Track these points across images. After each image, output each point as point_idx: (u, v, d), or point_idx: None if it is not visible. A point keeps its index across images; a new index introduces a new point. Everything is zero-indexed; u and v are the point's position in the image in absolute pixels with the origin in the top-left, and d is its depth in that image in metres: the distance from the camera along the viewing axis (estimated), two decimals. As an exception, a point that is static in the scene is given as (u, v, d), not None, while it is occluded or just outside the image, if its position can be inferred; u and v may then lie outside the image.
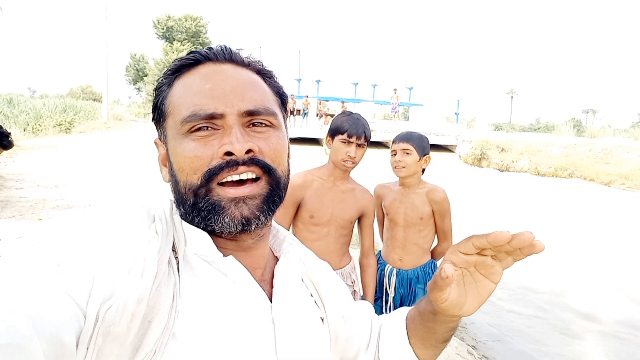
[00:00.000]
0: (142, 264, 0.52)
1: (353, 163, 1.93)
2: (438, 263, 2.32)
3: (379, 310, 2.29)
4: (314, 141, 20.38)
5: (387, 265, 2.31)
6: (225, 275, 0.59)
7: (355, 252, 2.31)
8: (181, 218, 0.62)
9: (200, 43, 41.18)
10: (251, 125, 0.61)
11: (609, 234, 7.76)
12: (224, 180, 0.58)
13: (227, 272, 0.59)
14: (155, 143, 0.68)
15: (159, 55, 41.55)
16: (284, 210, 1.92)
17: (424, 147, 2.19)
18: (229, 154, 0.57)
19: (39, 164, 9.82)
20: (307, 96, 24.14)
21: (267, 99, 0.64)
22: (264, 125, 0.62)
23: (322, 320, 0.70)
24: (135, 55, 51.03)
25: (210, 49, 0.64)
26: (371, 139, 1.99)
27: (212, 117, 0.58)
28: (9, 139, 2.91)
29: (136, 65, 50.58)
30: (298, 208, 1.96)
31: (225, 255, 0.60)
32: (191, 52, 0.64)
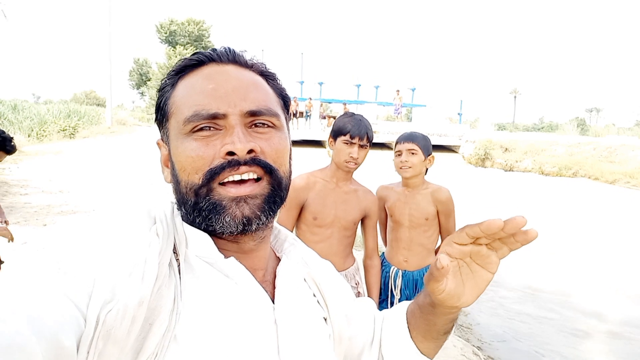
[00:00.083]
0: (143, 266, 0.51)
1: (355, 164, 1.92)
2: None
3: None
4: (317, 143, 20.38)
5: (392, 267, 2.30)
6: (227, 277, 0.59)
7: (358, 253, 2.31)
8: (182, 219, 0.62)
9: (203, 47, 41.33)
10: (253, 126, 0.61)
11: (615, 232, 7.72)
12: (226, 180, 0.58)
13: (228, 274, 0.59)
14: (158, 144, 0.68)
15: (162, 60, 41.74)
16: (287, 213, 1.92)
17: (428, 147, 2.19)
18: (230, 153, 0.57)
19: (43, 170, 9.87)
20: (310, 98, 24.16)
21: (270, 100, 0.64)
22: (266, 126, 0.62)
23: (325, 320, 0.70)
24: (138, 59, 51.34)
25: (214, 50, 0.64)
26: (374, 140, 1.99)
27: (214, 117, 0.58)
28: (12, 143, 2.92)
29: (139, 70, 50.87)
30: (301, 210, 1.96)
31: (226, 257, 0.60)
32: (195, 53, 0.64)
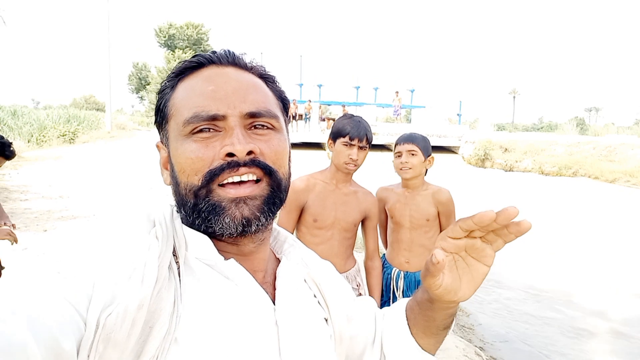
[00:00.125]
0: (142, 269, 0.51)
1: (355, 166, 1.92)
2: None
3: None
4: (317, 145, 20.40)
5: (394, 269, 2.29)
6: (227, 279, 0.59)
7: (359, 255, 2.31)
8: (182, 222, 0.62)
9: (202, 50, 41.17)
10: (253, 128, 0.61)
11: (616, 231, 7.72)
12: (225, 181, 0.58)
13: (229, 275, 0.59)
14: (157, 146, 0.68)
15: (161, 64, 41.84)
16: (287, 215, 1.92)
17: (427, 148, 2.19)
18: (230, 155, 0.58)
19: (43, 175, 9.87)
20: (309, 100, 24.21)
21: (269, 102, 0.64)
22: (265, 127, 0.62)
23: (326, 320, 0.70)
24: (137, 64, 51.44)
25: (213, 52, 0.65)
26: (374, 142, 1.99)
27: (214, 118, 0.59)
28: (11, 148, 2.92)
29: (139, 74, 50.96)
30: (301, 212, 1.96)
31: (226, 259, 0.60)
32: (195, 56, 0.65)
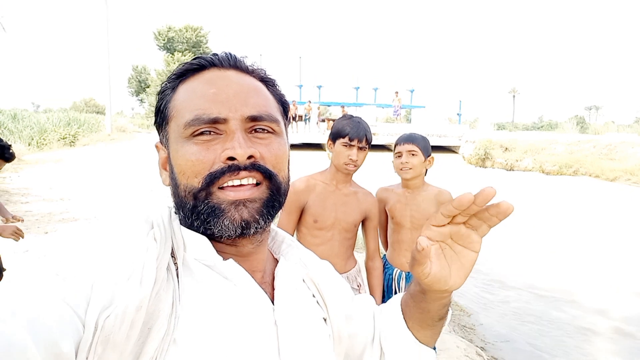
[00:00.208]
0: (141, 271, 0.51)
1: (355, 166, 1.93)
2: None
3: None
4: (317, 146, 20.41)
5: (395, 269, 2.29)
6: (226, 279, 0.59)
7: (360, 255, 2.31)
8: (180, 223, 0.62)
9: (201, 53, 40.89)
10: (253, 131, 0.61)
11: (618, 230, 7.71)
12: (225, 184, 0.58)
13: (227, 276, 0.59)
14: (156, 146, 0.68)
15: (160, 66, 41.88)
16: (287, 216, 1.92)
17: (427, 148, 2.19)
18: (231, 158, 0.58)
19: (44, 178, 9.88)
20: (309, 101, 24.23)
21: (270, 106, 0.64)
22: (266, 131, 0.62)
23: (325, 320, 0.70)
24: (137, 67, 51.51)
25: (215, 55, 0.64)
26: (373, 142, 1.99)
27: (215, 121, 0.59)
28: (10, 151, 2.93)
29: (138, 77, 51.02)
30: (301, 213, 1.96)
31: (224, 259, 0.60)
32: (196, 58, 0.65)
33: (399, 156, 2.19)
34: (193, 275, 0.57)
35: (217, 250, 0.60)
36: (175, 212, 0.63)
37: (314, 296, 0.70)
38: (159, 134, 0.67)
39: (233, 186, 0.58)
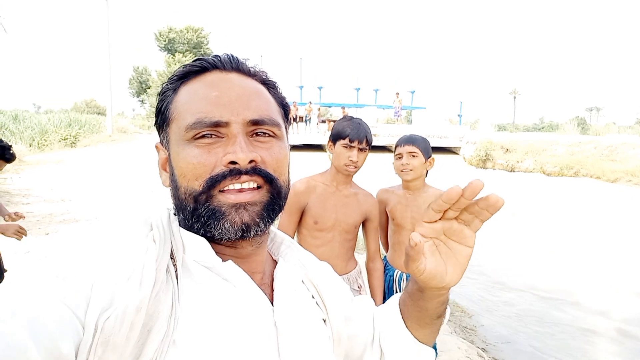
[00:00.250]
0: (140, 272, 0.51)
1: (355, 167, 1.92)
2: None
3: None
4: (317, 147, 20.41)
5: (396, 271, 2.29)
6: (225, 280, 0.59)
7: (360, 257, 2.30)
8: (180, 225, 0.62)
9: (202, 54, 41.23)
10: (255, 135, 0.61)
11: (619, 231, 7.70)
12: (226, 188, 0.58)
13: (227, 277, 0.59)
14: (156, 147, 0.68)
15: (161, 67, 41.92)
16: (288, 217, 1.92)
17: (428, 149, 2.19)
18: (232, 163, 0.58)
19: (45, 179, 9.90)
20: (310, 102, 24.24)
21: (272, 109, 0.64)
22: (267, 135, 0.62)
23: (324, 321, 0.70)
24: (138, 68, 51.56)
25: (217, 56, 0.64)
26: (374, 144, 1.99)
27: (217, 124, 0.58)
28: (11, 151, 2.94)
29: (139, 78, 51.07)
30: (302, 214, 1.96)
31: (224, 261, 0.60)
32: (198, 59, 0.64)
33: (399, 157, 2.19)
34: (192, 277, 0.57)
35: (216, 252, 0.60)
36: (175, 214, 0.63)
37: (313, 297, 0.70)
38: (160, 135, 0.66)
39: (234, 189, 0.58)
